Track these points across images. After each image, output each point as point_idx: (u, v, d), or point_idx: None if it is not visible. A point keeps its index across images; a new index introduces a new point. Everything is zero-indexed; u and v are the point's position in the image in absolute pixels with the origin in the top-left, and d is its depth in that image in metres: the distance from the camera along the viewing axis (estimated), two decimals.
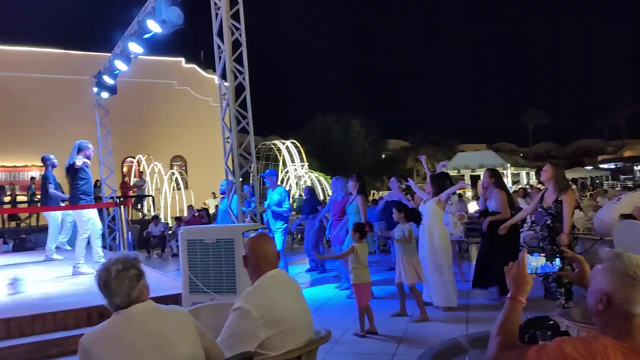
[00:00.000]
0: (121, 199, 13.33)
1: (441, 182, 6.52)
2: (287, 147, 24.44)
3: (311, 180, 22.69)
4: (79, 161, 7.08)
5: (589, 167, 42.46)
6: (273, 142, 25.57)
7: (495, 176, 6.71)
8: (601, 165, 41.54)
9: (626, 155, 44.68)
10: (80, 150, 7.29)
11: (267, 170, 8.48)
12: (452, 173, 24.16)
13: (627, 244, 5.78)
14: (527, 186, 21.00)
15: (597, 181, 37.27)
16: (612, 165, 41.14)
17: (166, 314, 2.25)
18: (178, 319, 2.25)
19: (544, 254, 1.99)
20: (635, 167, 40.08)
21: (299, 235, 14.70)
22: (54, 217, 8.50)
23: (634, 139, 55.25)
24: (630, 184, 29.09)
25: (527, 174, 31.82)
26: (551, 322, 2.01)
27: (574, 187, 6.23)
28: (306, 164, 24.84)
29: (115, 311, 2.17)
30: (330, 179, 11.14)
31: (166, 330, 2.17)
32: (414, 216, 6.22)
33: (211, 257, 4.51)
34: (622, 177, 39.57)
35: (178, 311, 2.32)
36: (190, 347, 2.20)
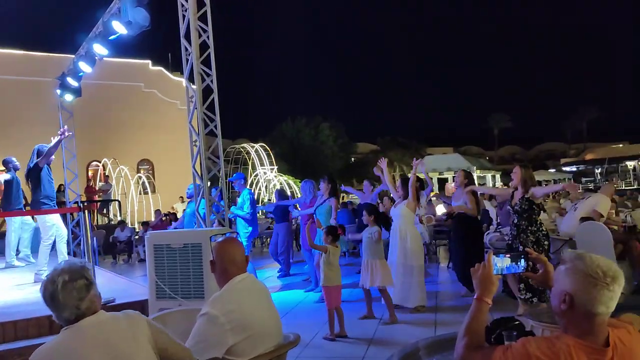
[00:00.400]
0: (86, 204, 13.02)
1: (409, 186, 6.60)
2: (256, 151, 24.35)
3: (280, 184, 22.63)
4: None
5: (552, 170, 43.59)
6: (242, 145, 25.43)
7: (469, 178, 7.00)
8: (564, 168, 42.72)
9: (587, 158, 45.99)
10: (40, 154, 7.09)
11: (235, 174, 8.39)
12: (420, 176, 24.44)
13: (589, 245, 5.94)
14: None
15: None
16: (574, 168, 42.33)
17: (119, 323, 2.13)
18: (132, 326, 2.14)
19: (509, 255, 2.02)
20: (596, 170, 41.30)
21: (269, 239, 14.63)
22: (12, 222, 8.24)
23: (594, 143, 56.96)
24: (591, 186, 29.92)
25: (493, 176, 32.40)
26: (517, 323, 2.04)
27: None
28: (275, 167, 24.78)
29: (65, 325, 2.06)
30: (300, 182, 11.13)
31: (120, 342, 2.07)
32: (384, 220, 6.27)
33: (178, 262, 4.44)
34: (583, 179, 40.75)
35: (131, 316, 2.20)
36: (148, 356, 2.12)
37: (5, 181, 7.92)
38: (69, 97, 9.85)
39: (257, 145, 24.77)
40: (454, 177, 7.25)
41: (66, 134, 7.14)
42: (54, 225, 6.99)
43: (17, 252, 8.54)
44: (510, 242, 5.93)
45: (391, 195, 8.18)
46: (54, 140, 7.05)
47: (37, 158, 7.03)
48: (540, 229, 5.76)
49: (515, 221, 5.83)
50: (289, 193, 22.05)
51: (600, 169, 41.30)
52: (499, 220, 9.37)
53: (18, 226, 8.35)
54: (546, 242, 5.73)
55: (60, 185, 14.28)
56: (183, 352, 2.27)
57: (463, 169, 7.13)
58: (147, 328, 2.17)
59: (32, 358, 2.00)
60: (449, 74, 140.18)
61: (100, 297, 2.18)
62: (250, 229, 7.76)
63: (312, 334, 5.41)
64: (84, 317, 2.06)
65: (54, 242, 7.04)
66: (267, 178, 23.56)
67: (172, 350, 2.23)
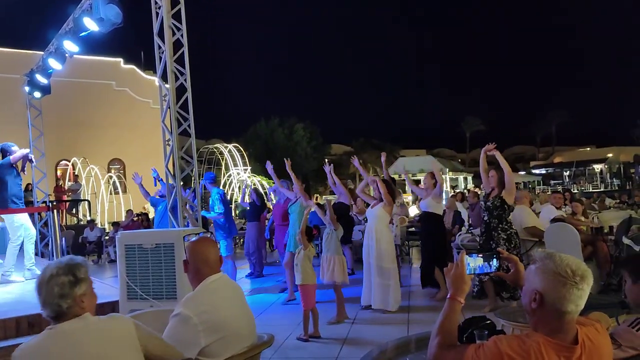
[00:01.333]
0: (54, 203, 12.75)
1: (389, 188, 6.65)
2: (229, 151, 24.18)
3: (254, 185, 22.52)
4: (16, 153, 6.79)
5: (522, 173, 44.38)
6: (215, 145, 25.22)
7: (435, 179, 7.16)
8: (533, 171, 43.56)
9: (556, 161, 46.99)
10: (4, 152, 6.89)
11: (205, 174, 8.25)
12: (394, 177, 24.60)
13: (558, 246, 6.06)
14: (465, 190, 21.68)
15: (530, 186, 38.97)
16: (543, 171, 43.21)
17: (105, 329, 2.06)
18: (119, 332, 2.08)
19: (481, 255, 2.05)
20: (564, 173, 42.22)
21: (242, 240, 14.53)
22: None
23: (563, 146, 58.26)
24: (559, 188, 30.61)
25: (465, 178, 32.85)
26: (488, 322, 2.07)
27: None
28: (249, 167, 24.65)
29: (50, 321, 2.01)
30: (274, 183, 11.10)
31: (100, 348, 2.00)
32: (345, 220, 6.40)
33: (150, 263, 4.39)
34: (552, 182, 41.60)
35: (118, 321, 2.13)
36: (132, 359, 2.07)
37: None
38: (37, 95, 9.63)
39: (230, 146, 24.60)
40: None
41: (31, 157, 7.06)
42: (22, 225, 6.82)
43: None
44: (482, 242, 6.04)
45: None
46: (19, 153, 6.89)
47: (2, 157, 6.83)
48: (511, 227, 5.89)
49: (486, 219, 5.96)
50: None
51: (568, 172, 42.24)
52: (470, 222, 9.50)
53: None
54: (517, 240, 5.86)
55: (28, 185, 13.87)
56: (178, 354, 2.27)
57: (431, 172, 7.29)
58: (134, 331, 2.12)
59: (14, 355, 1.96)
60: (423, 77, 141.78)
61: (95, 296, 2.13)
62: (221, 231, 7.65)
63: (286, 335, 5.40)
64: (65, 316, 2.00)
65: (22, 242, 6.86)
66: (241, 179, 23.42)
67: (162, 352, 2.21)
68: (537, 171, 43.79)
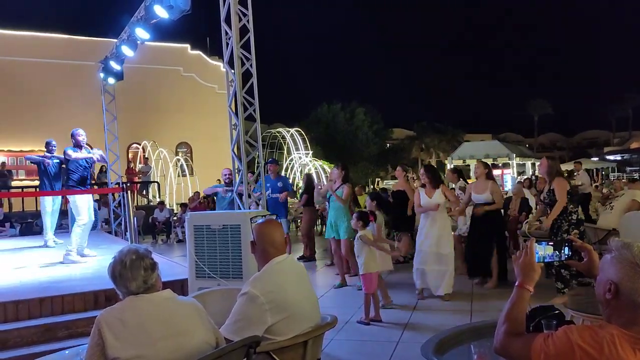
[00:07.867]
0: (127, 185, 13.35)
1: (435, 173, 6.51)
2: (291, 135, 24.41)
3: (315, 169, 22.64)
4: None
5: (595, 158, 42.26)
6: (278, 130, 25.52)
7: (488, 169, 6.92)
8: (607, 157, 41.32)
9: (633, 147, 44.40)
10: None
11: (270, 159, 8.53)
12: (458, 162, 24.02)
13: (634, 236, 5.78)
14: (533, 177, 20.94)
15: (603, 172, 37.10)
16: (618, 157, 40.94)
17: (184, 302, 2.29)
18: (195, 309, 2.27)
19: (552, 243, 1.99)
20: None
21: (299, 221, 14.67)
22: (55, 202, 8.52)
23: None
24: (636, 175, 28.96)
25: (533, 164, 31.65)
26: (556, 312, 2.02)
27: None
28: (310, 152, 24.80)
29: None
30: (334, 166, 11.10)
31: (182, 317, 2.18)
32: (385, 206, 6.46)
33: (218, 243, 4.54)
34: (628, 168, 39.38)
35: (195, 302, 2.34)
36: (207, 335, 2.23)
37: (60, 162, 8.15)
38: (111, 81, 10.08)
39: (292, 130, 24.83)
40: (492, 164, 7.15)
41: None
42: (89, 207, 7.16)
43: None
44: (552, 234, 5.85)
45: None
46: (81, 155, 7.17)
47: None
48: (570, 217, 5.66)
49: (548, 213, 5.81)
50: (323, 178, 22.12)
51: None
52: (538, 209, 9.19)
53: (57, 207, 8.64)
54: (576, 230, 5.63)
55: (102, 167, 14.60)
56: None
57: (481, 159, 6.99)
58: (207, 318, 2.29)
59: (102, 315, 2.10)
60: (487, 58, 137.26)
61: (161, 279, 2.29)
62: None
63: (347, 317, 5.45)
64: (149, 291, 2.17)
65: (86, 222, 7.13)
66: (303, 163, 23.62)
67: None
68: (611, 157, 41.49)
